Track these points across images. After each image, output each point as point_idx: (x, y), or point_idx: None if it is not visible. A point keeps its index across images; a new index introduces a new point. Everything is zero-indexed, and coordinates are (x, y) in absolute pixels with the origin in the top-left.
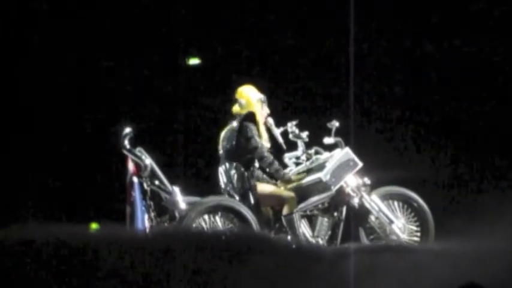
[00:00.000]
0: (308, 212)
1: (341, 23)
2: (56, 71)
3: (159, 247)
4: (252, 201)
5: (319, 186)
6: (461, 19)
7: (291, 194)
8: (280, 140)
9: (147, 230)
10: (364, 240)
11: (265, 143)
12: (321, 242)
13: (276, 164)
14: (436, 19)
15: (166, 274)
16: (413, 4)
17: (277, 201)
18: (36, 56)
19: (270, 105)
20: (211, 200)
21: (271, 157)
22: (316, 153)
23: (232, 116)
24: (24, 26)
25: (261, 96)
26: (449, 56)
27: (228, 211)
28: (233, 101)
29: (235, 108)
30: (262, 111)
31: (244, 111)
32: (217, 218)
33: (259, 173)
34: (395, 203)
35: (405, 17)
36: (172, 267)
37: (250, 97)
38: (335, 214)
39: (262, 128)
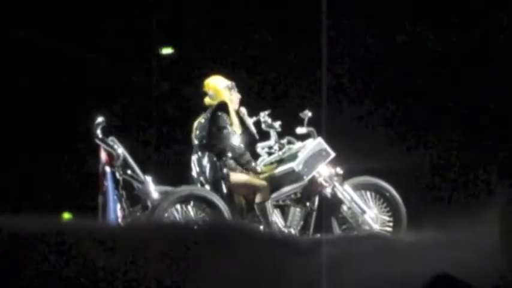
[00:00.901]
0: (280, 202)
1: (313, 12)
2: (28, 61)
3: (132, 238)
4: (225, 190)
5: (292, 176)
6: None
7: (264, 183)
8: (253, 129)
9: (120, 220)
10: (337, 230)
11: (236, 128)
12: (293, 232)
13: (248, 154)
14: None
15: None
16: None
17: (250, 190)
18: (7, 45)
19: (242, 95)
20: (184, 189)
21: (242, 148)
22: (289, 143)
23: (206, 107)
24: None
25: (228, 83)
26: (424, 45)
27: (201, 201)
28: (203, 94)
29: (207, 100)
30: (231, 97)
31: (215, 102)
32: (190, 208)
33: (232, 162)
34: (368, 193)
35: (378, 6)
36: (148, 258)
37: (216, 86)
38: (307, 204)
39: (235, 117)
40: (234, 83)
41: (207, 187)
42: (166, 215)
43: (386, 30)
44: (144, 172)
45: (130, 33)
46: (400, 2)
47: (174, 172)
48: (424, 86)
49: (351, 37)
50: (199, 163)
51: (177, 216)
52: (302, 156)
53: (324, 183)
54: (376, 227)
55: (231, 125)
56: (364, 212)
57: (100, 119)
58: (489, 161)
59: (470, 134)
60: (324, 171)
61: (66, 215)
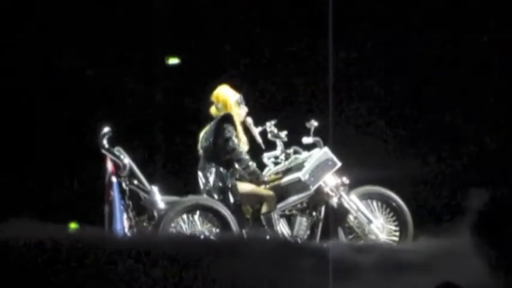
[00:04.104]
0: (287, 212)
1: (320, 21)
2: (33, 70)
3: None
4: (231, 200)
5: (298, 186)
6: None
7: (270, 192)
8: (259, 139)
9: (126, 230)
10: (343, 239)
11: (243, 145)
12: (299, 241)
13: (253, 166)
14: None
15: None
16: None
17: (257, 200)
18: (12, 52)
19: (248, 105)
20: (190, 199)
21: (248, 159)
22: (295, 152)
23: (211, 117)
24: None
25: (238, 97)
26: (430, 53)
27: (207, 210)
28: (210, 103)
29: (213, 111)
30: (240, 111)
31: (221, 113)
32: (196, 218)
33: (238, 172)
34: (374, 203)
35: (384, 16)
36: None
37: (227, 100)
38: (314, 214)
39: (241, 130)
40: (242, 97)
41: (214, 197)
42: (172, 225)
43: (394, 37)
44: (150, 182)
45: (137, 43)
46: (406, 9)
47: (180, 182)
48: (432, 95)
49: (358, 45)
50: (205, 173)
51: (184, 226)
52: (308, 166)
53: (330, 193)
54: (383, 236)
55: (237, 136)
56: (370, 221)
57: (106, 129)
58: (498, 172)
59: (480, 143)
60: (330, 181)
61: (73, 225)
